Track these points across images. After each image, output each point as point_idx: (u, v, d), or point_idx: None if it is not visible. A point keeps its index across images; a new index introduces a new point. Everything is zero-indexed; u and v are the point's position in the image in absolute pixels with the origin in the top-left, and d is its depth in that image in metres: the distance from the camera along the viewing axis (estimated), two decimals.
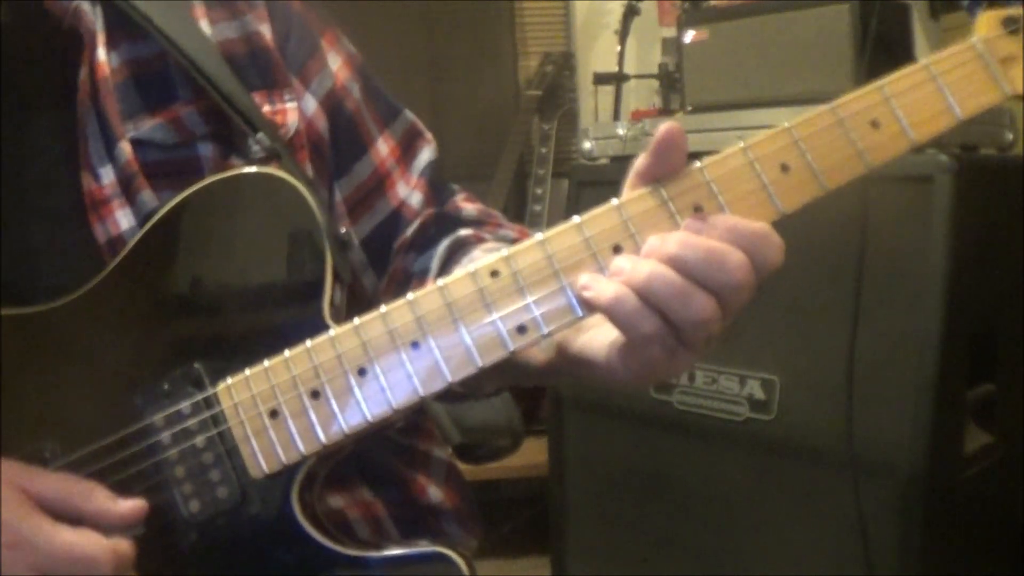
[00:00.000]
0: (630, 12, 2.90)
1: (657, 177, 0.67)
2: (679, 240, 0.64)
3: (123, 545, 0.68)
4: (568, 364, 0.73)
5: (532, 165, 2.98)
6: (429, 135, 0.98)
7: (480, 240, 0.91)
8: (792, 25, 1.79)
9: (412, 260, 0.92)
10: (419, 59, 3.21)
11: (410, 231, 0.93)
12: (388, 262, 0.93)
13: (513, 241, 0.93)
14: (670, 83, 2.76)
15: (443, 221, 0.93)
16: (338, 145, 0.92)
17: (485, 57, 3.29)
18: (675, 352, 0.65)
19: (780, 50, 1.80)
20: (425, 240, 0.92)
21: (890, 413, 1.50)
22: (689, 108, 1.93)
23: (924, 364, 1.46)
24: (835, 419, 1.54)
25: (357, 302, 0.81)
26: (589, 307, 0.66)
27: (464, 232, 0.92)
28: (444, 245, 0.91)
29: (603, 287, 0.65)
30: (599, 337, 0.69)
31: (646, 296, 0.64)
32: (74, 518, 0.68)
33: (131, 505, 0.70)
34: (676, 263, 0.64)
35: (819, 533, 1.58)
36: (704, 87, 1.91)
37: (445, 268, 0.89)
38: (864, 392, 1.52)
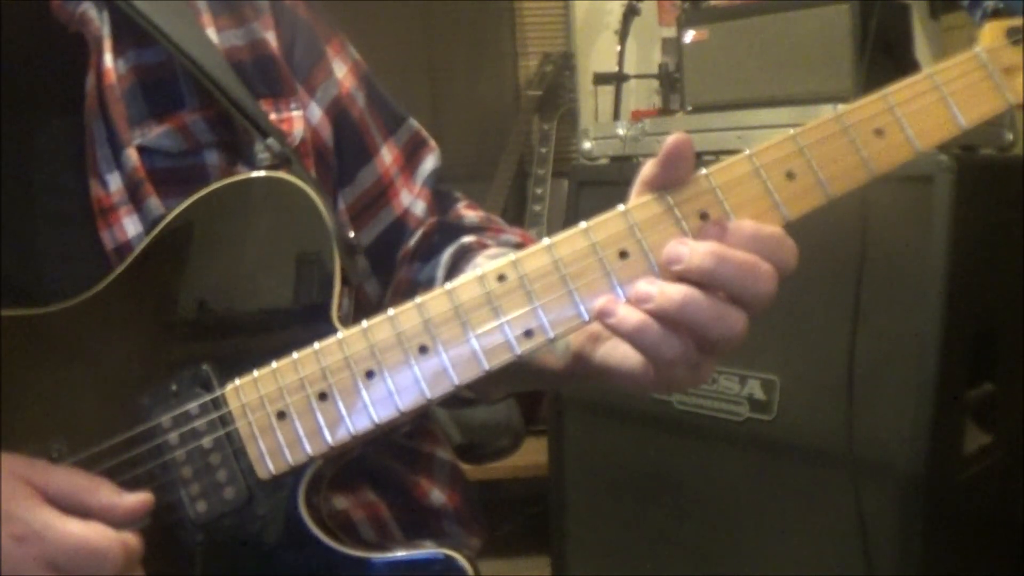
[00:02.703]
0: (630, 12, 2.89)
1: (664, 186, 0.68)
2: (714, 253, 0.64)
3: (132, 539, 0.68)
4: (588, 372, 0.74)
5: (532, 165, 2.98)
6: (433, 143, 0.98)
7: (483, 246, 0.92)
8: (792, 25, 1.79)
9: (417, 270, 0.93)
10: (419, 59, 3.21)
11: (413, 241, 0.93)
12: (391, 270, 0.94)
13: (516, 245, 0.93)
14: (670, 83, 2.76)
15: (446, 229, 0.94)
16: (342, 153, 0.92)
17: (485, 57, 3.30)
18: (698, 366, 0.66)
19: (780, 50, 1.80)
20: (428, 249, 0.93)
21: (890, 413, 1.50)
22: (689, 108, 1.93)
23: (924, 364, 1.47)
24: (835, 419, 1.54)
25: (361, 309, 0.81)
26: (610, 331, 0.67)
27: (467, 239, 0.92)
28: (448, 253, 0.91)
29: (625, 315, 0.65)
30: (621, 347, 0.70)
31: (679, 321, 0.64)
32: (80, 512, 0.68)
33: (137, 499, 0.70)
34: (711, 279, 0.64)
35: (819, 533, 1.59)
36: (704, 87, 1.91)
37: (450, 276, 0.89)
38: (864, 392, 1.53)
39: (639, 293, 0.65)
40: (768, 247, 0.65)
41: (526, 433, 1.88)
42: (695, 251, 0.64)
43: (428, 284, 0.91)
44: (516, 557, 2.57)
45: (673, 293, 0.64)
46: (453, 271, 0.90)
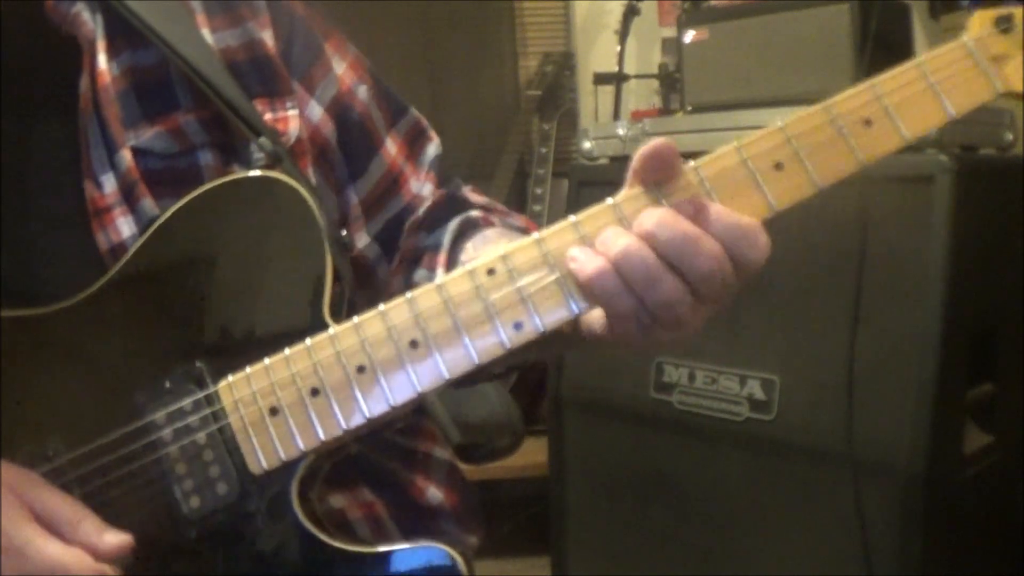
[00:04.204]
0: (630, 12, 2.90)
1: (650, 182, 0.68)
2: (657, 218, 0.65)
3: (109, 571, 0.68)
4: (561, 335, 0.73)
5: (532, 165, 2.98)
6: (432, 132, 0.99)
7: (489, 223, 0.92)
8: (792, 25, 1.79)
9: (423, 237, 0.93)
10: (419, 59, 3.22)
11: (421, 211, 0.94)
12: (399, 244, 0.94)
13: (520, 229, 0.93)
14: (670, 83, 2.76)
15: (452, 202, 0.95)
16: (349, 149, 0.93)
17: (485, 57, 3.30)
18: (650, 329, 0.67)
19: (780, 50, 1.80)
20: (435, 219, 0.93)
21: (890, 413, 1.50)
22: (689, 108, 1.93)
23: (924, 364, 1.47)
24: (835, 419, 1.54)
25: (374, 293, 0.81)
26: (576, 283, 0.67)
27: (474, 213, 0.93)
28: (456, 222, 0.91)
29: (587, 261, 0.66)
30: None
31: (620, 272, 0.65)
32: (64, 540, 0.68)
33: (116, 541, 0.69)
34: (650, 240, 0.65)
35: (819, 533, 1.59)
36: (704, 87, 1.91)
37: (456, 243, 0.90)
38: (864, 392, 1.52)
39: (600, 238, 0.67)
40: (727, 231, 0.65)
41: (526, 433, 1.88)
42: (646, 215, 0.66)
43: (434, 249, 0.91)
44: (516, 557, 2.57)
45: (619, 241, 0.66)
46: (460, 239, 0.90)
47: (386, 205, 0.94)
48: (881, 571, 1.51)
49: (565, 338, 0.75)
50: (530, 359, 0.81)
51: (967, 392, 1.56)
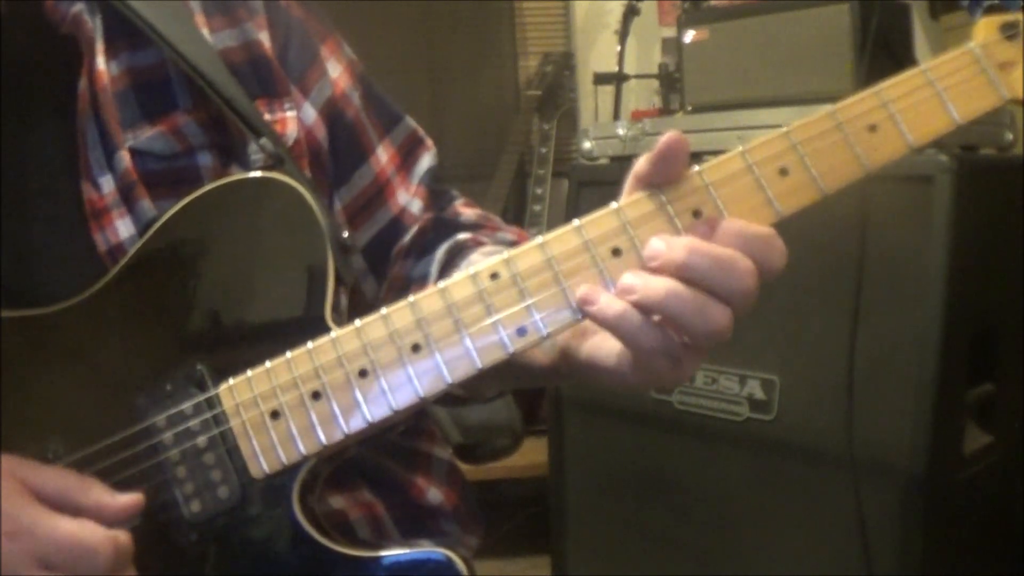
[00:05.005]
0: (630, 12, 2.90)
1: (656, 183, 0.68)
2: (687, 247, 0.64)
3: (123, 536, 0.67)
4: (574, 368, 0.74)
5: (532, 165, 2.98)
6: (429, 142, 0.98)
7: (478, 244, 0.92)
8: (792, 25, 1.79)
9: (411, 266, 0.92)
10: (419, 59, 3.22)
11: (408, 237, 0.93)
12: (388, 268, 0.93)
13: (511, 243, 0.93)
14: (670, 83, 2.76)
15: (441, 226, 0.94)
16: (337, 154, 0.92)
17: (485, 57, 3.30)
18: (680, 361, 0.66)
19: (780, 50, 1.80)
20: (423, 245, 0.93)
21: (890, 413, 1.50)
22: (689, 108, 1.93)
23: (924, 364, 1.47)
24: (835, 419, 1.54)
25: (357, 308, 0.81)
26: (591, 320, 0.67)
27: (462, 236, 0.92)
28: (443, 249, 0.91)
29: (606, 303, 0.65)
30: (608, 342, 0.69)
31: (662, 313, 0.64)
32: (72, 511, 0.68)
33: (128, 499, 0.70)
34: (686, 272, 0.64)
35: (819, 533, 1.59)
36: (704, 87, 1.91)
37: (444, 272, 0.89)
38: (864, 392, 1.53)
39: (623, 285, 0.65)
40: (753, 245, 0.65)
41: (526, 433, 1.89)
42: (672, 246, 0.65)
43: (422, 280, 0.90)
44: (516, 557, 2.57)
45: (656, 285, 0.64)
46: (447, 267, 0.90)
47: (373, 215, 0.93)
48: (881, 571, 1.51)
49: (568, 372, 0.75)
50: (525, 387, 0.82)
51: (967, 392, 1.56)
